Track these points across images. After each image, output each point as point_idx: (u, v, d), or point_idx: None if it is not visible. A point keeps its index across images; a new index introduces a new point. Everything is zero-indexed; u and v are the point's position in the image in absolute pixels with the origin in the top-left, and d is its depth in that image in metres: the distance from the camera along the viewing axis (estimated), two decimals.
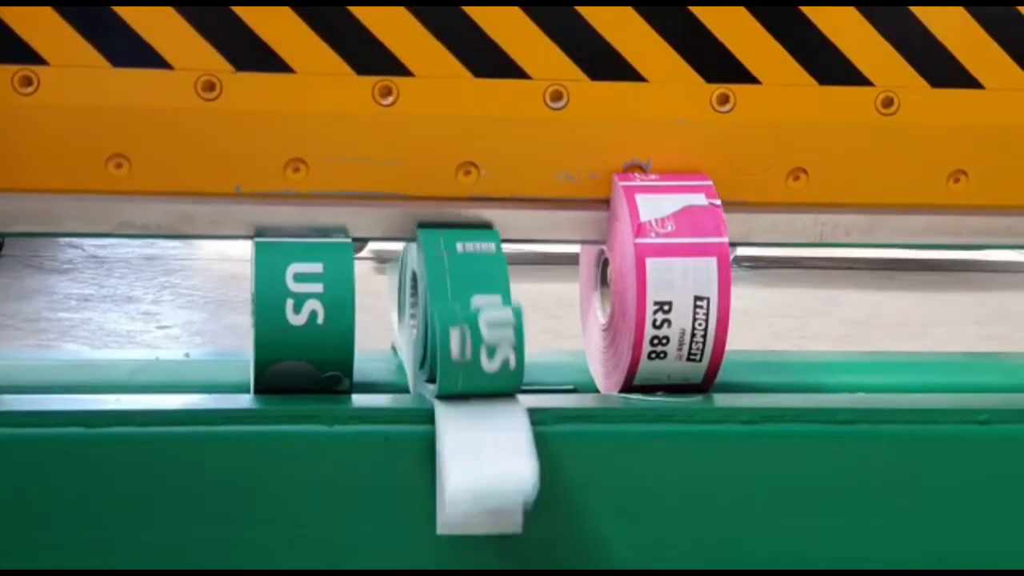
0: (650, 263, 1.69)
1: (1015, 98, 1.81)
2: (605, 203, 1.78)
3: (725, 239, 1.70)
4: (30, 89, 1.68)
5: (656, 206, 1.72)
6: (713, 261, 1.69)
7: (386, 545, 1.61)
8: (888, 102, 1.79)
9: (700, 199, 1.73)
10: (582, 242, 1.85)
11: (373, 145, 1.73)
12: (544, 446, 1.57)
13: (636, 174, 1.76)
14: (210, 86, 1.70)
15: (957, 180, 1.82)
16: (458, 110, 1.74)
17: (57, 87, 1.68)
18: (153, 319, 5.62)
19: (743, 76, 1.76)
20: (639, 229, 1.70)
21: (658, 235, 1.70)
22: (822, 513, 1.66)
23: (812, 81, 1.78)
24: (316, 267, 1.67)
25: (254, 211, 1.73)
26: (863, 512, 1.67)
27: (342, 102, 1.72)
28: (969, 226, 1.85)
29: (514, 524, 1.55)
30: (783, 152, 1.79)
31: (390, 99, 1.73)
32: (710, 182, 1.74)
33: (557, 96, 1.75)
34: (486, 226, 1.75)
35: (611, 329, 1.79)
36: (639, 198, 1.72)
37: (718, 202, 1.72)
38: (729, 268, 1.69)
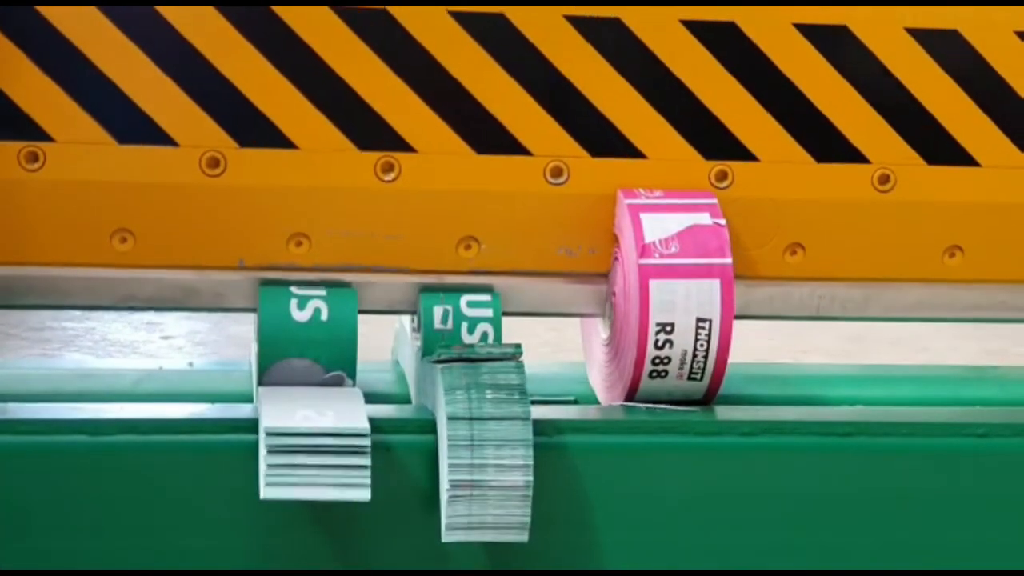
0: (653, 285, 1.70)
1: (1010, 176, 1.82)
2: (604, 277, 1.80)
3: (729, 260, 1.71)
4: (36, 165, 1.70)
5: (661, 226, 1.73)
6: (716, 283, 1.70)
7: (389, 552, 1.63)
8: (885, 179, 1.81)
9: (705, 219, 1.73)
10: (582, 315, 1.87)
11: (375, 220, 1.75)
12: (546, 457, 1.59)
13: (641, 191, 1.77)
14: (214, 162, 1.72)
15: (952, 255, 1.84)
16: (459, 185, 1.76)
17: (63, 163, 1.70)
18: (156, 329, 5.63)
19: (741, 153, 1.78)
20: (643, 250, 1.71)
21: (662, 256, 1.70)
22: (820, 524, 1.68)
23: (809, 158, 1.80)
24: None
25: (258, 285, 1.75)
26: (861, 524, 1.68)
27: (345, 177, 1.74)
28: (964, 301, 1.86)
29: (519, 533, 1.56)
30: (780, 227, 1.81)
31: (392, 175, 1.75)
32: (715, 201, 1.76)
33: (557, 172, 1.77)
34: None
35: (612, 345, 1.80)
36: (644, 217, 1.73)
37: (723, 222, 1.73)
38: (732, 289, 1.70)
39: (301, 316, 1.71)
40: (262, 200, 1.73)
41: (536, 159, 1.76)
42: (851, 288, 1.84)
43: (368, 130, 1.73)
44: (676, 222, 1.73)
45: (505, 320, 1.78)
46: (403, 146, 1.74)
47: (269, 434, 1.53)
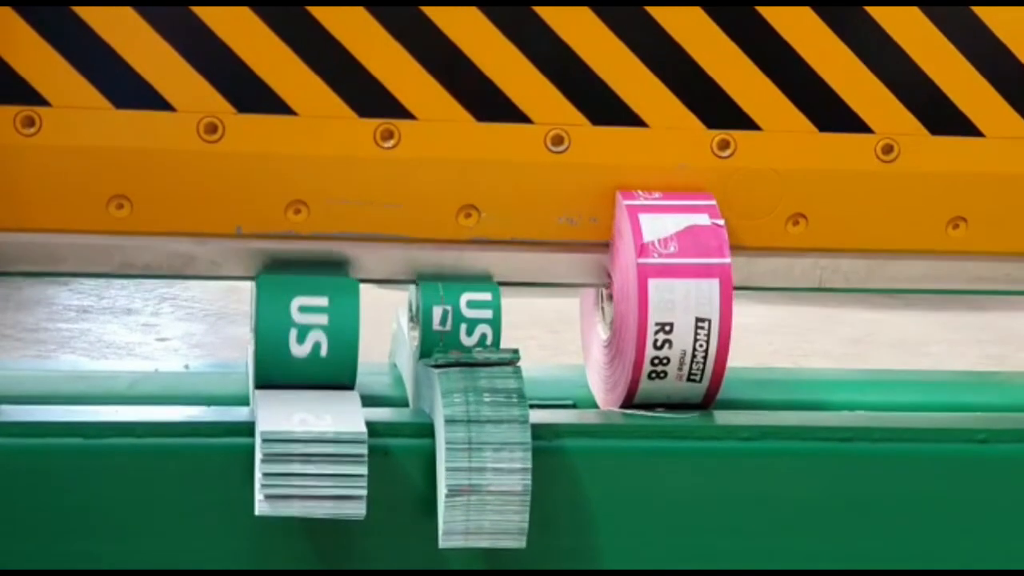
0: (652, 284, 1.69)
1: (1015, 146, 1.81)
2: (605, 246, 1.79)
3: (728, 260, 1.70)
4: (32, 130, 1.68)
5: (659, 226, 1.72)
6: (715, 283, 1.69)
7: (386, 556, 1.62)
8: (888, 149, 1.80)
9: (703, 219, 1.73)
10: (582, 285, 1.85)
11: (374, 188, 1.74)
12: (545, 461, 1.58)
13: (639, 192, 1.76)
14: (212, 128, 1.71)
15: (956, 227, 1.83)
16: (459, 153, 1.75)
17: (59, 128, 1.68)
18: (152, 331, 5.62)
19: (744, 122, 1.77)
20: (642, 249, 1.70)
21: (661, 256, 1.69)
22: (820, 529, 1.67)
23: (812, 128, 1.78)
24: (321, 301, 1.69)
25: (255, 252, 1.73)
26: (861, 529, 1.67)
27: (344, 145, 1.73)
28: (968, 272, 1.85)
29: (517, 539, 1.55)
30: (783, 197, 1.79)
31: (391, 142, 1.74)
32: (714, 202, 1.75)
33: (558, 140, 1.76)
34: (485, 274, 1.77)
35: (612, 347, 1.79)
36: (643, 218, 1.72)
37: (721, 222, 1.72)
38: (731, 289, 1.69)
39: (300, 351, 1.69)
40: (260, 167, 1.72)
41: (537, 127, 1.75)
42: (854, 259, 1.83)
43: (368, 97, 1.72)
44: (674, 222, 1.72)
45: (503, 324, 1.76)
46: (403, 113, 1.73)
47: (266, 440, 1.52)
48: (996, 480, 1.70)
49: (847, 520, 1.67)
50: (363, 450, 1.52)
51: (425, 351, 1.71)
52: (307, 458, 1.52)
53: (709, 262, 1.70)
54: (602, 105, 1.76)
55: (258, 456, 1.52)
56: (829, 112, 1.78)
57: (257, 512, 1.51)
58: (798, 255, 1.82)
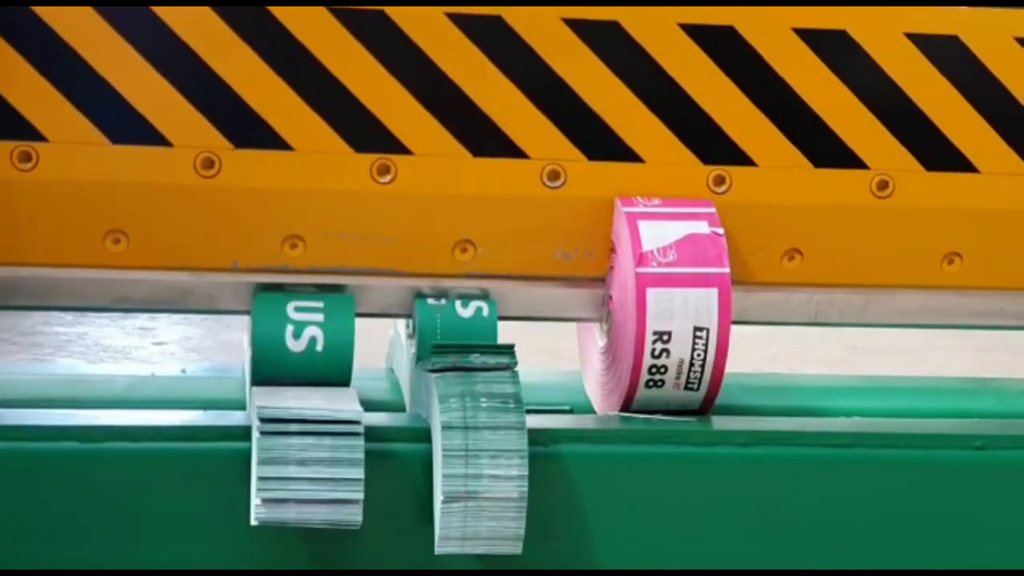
0: (651, 293, 1.68)
1: (1010, 182, 1.82)
2: (601, 281, 1.79)
3: (726, 269, 1.70)
4: (29, 165, 1.68)
5: (658, 234, 1.72)
6: (714, 292, 1.69)
7: (382, 561, 1.62)
8: (883, 185, 1.80)
9: (703, 227, 1.73)
10: (578, 320, 1.86)
11: (370, 222, 1.74)
12: (541, 467, 1.58)
13: (639, 199, 1.76)
14: (209, 163, 1.71)
15: (951, 262, 1.83)
16: (456, 188, 1.75)
17: (56, 163, 1.69)
18: (149, 335, 5.62)
19: (739, 158, 1.77)
20: (640, 258, 1.70)
21: (659, 264, 1.69)
22: (818, 535, 1.67)
23: (808, 163, 1.79)
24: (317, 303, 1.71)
25: (251, 286, 1.74)
26: (858, 535, 1.68)
27: (340, 179, 1.73)
28: (963, 307, 1.86)
29: (513, 545, 1.55)
30: (778, 233, 1.80)
31: (388, 177, 1.74)
32: (713, 209, 1.75)
33: (555, 175, 1.76)
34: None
35: (609, 353, 1.79)
36: (642, 225, 1.72)
37: (720, 230, 1.72)
38: (730, 298, 1.69)
39: (296, 346, 1.70)
40: (257, 201, 1.72)
41: (533, 162, 1.75)
42: (849, 294, 1.83)
43: (364, 132, 1.72)
44: (674, 230, 1.72)
45: (500, 327, 1.77)
46: (399, 148, 1.73)
47: (263, 419, 1.52)
48: (993, 486, 1.70)
49: (844, 526, 1.67)
50: (359, 429, 1.53)
51: (422, 355, 1.71)
52: (303, 434, 1.52)
53: (708, 271, 1.70)
54: (598, 140, 1.76)
55: (255, 436, 1.52)
56: (824, 148, 1.79)
57: (253, 520, 1.52)
58: (794, 290, 1.82)
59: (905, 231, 1.81)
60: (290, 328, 1.70)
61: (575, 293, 1.80)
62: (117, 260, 1.72)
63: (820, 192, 1.79)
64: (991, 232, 1.82)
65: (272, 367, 1.69)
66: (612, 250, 1.77)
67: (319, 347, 1.70)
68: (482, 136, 1.74)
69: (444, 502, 1.53)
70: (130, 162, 1.70)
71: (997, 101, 1.80)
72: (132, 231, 1.71)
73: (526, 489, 1.54)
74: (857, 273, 1.82)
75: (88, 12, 1.67)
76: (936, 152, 1.80)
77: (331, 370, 1.70)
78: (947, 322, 1.87)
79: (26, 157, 1.68)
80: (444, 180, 1.75)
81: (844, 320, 1.84)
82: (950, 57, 1.79)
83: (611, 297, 1.78)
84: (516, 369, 1.59)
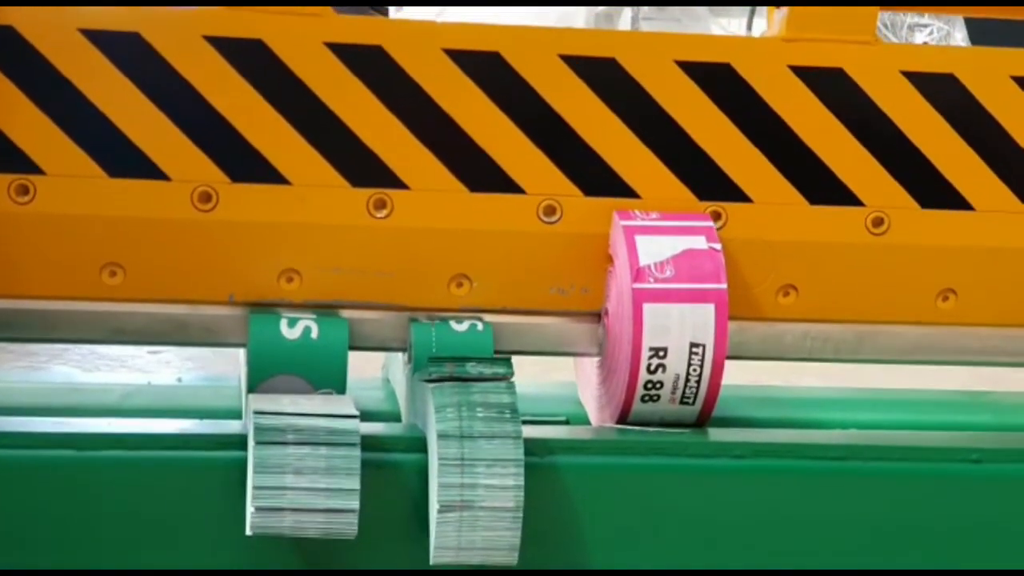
0: (647, 308, 1.68)
1: (1005, 220, 1.82)
2: (596, 316, 1.80)
3: (723, 285, 1.70)
4: (26, 198, 1.69)
5: (656, 248, 1.72)
6: (711, 308, 1.69)
7: (377, 570, 1.62)
8: (878, 222, 1.81)
9: (700, 242, 1.72)
10: (574, 355, 1.86)
11: (367, 256, 1.74)
12: (537, 477, 1.59)
13: (636, 212, 1.76)
14: (206, 197, 1.71)
15: (946, 299, 1.84)
16: (452, 223, 1.75)
17: (53, 196, 1.69)
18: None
19: (735, 194, 1.78)
20: (638, 274, 1.70)
21: (656, 280, 1.69)
22: (813, 548, 1.68)
23: (803, 200, 1.79)
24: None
25: (248, 320, 1.74)
26: (854, 547, 1.68)
27: (337, 214, 1.73)
28: (957, 344, 1.86)
29: (509, 555, 1.55)
30: (774, 269, 1.80)
31: (384, 211, 1.74)
32: (711, 223, 1.75)
33: (551, 211, 1.77)
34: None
35: (605, 366, 1.79)
36: (639, 239, 1.72)
37: (718, 246, 1.72)
38: (726, 314, 1.69)
39: (291, 334, 1.71)
40: (253, 235, 1.72)
41: (529, 197, 1.76)
42: (844, 330, 1.84)
43: (361, 166, 1.73)
44: (671, 245, 1.72)
45: None
46: (396, 183, 1.74)
47: (259, 429, 1.52)
48: (989, 499, 1.70)
49: (840, 538, 1.68)
50: (355, 439, 1.53)
51: (418, 366, 1.71)
52: (300, 443, 1.52)
53: (705, 287, 1.70)
54: (594, 176, 1.76)
55: (251, 444, 1.52)
56: (820, 185, 1.79)
57: (249, 530, 1.52)
58: (788, 325, 1.83)
59: (900, 268, 1.82)
60: (284, 321, 1.71)
61: (570, 328, 1.80)
62: (113, 293, 1.72)
63: (816, 229, 1.80)
64: (986, 269, 1.83)
65: (268, 357, 1.69)
66: (610, 261, 1.77)
67: (314, 335, 1.70)
68: (479, 171, 1.75)
69: (440, 512, 1.53)
70: (127, 195, 1.70)
71: (993, 139, 1.80)
72: (129, 264, 1.72)
73: (522, 499, 1.54)
74: (852, 309, 1.83)
75: (86, 45, 1.67)
76: (931, 189, 1.81)
77: (326, 359, 1.70)
78: (942, 359, 1.87)
79: (23, 190, 1.69)
80: (440, 215, 1.75)
81: (839, 356, 1.85)
82: (946, 95, 1.79)
83: (607, 310, 1.78)
84: (512, 379, 1.59)
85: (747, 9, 5.32)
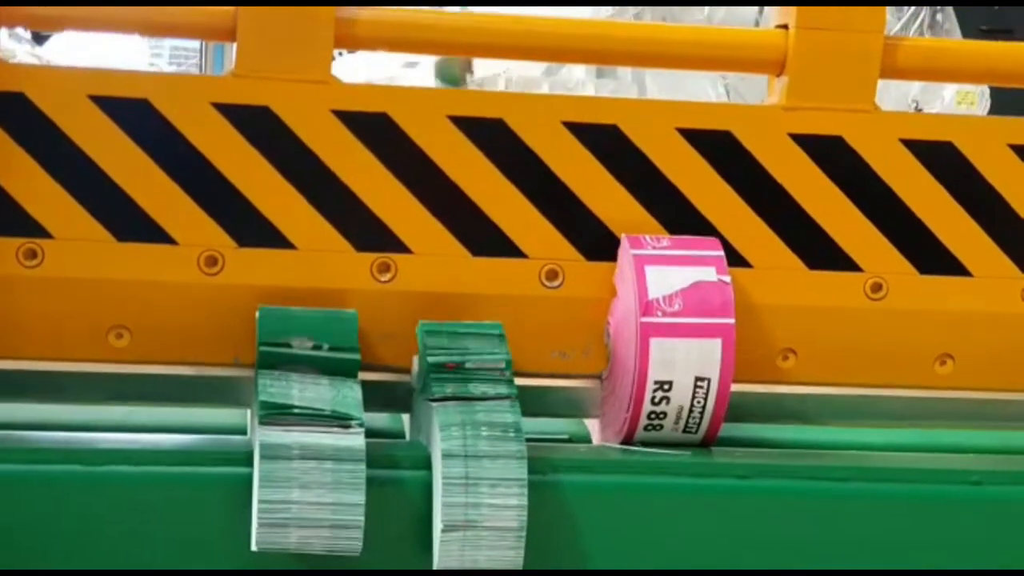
0: (654, 343, 1.68)
1: (1002, 286, 1.84)
2: (598, 378, 1.81)
3: (731, 320, 1.70)
4: (35, 262, 1.70)
5: (665, 280, 1.71)
6: (717, 343, 1.69)
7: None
8: (877, 287, 1.82)
9: (710, 274, 1.72)
10: (576, 416, 1.87)
11: (370, 319, 1.76)
12: (540, 495, 1.59)
13: (647, 238, 1.76)
14: (212, 261, 1.73)
15: (943, 363, 1.85)
16: (455, 287, 1.77)
17: (61, 260, 1.71)
18: None
19: (735, 259, 1.79)
20: (646, 308, 1.69)
21: (665, 314, 1.69)
22: (815, 568, 1.68)
23: (802, 265, 1.81)
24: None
25: (252, 382, 1.75)
26: (854, 568, 1.68)
27: (341, 278, 1.75)
28: (955, 409, 1.87)
29: (514, 560, 1.56)
30: (773, 333, 1.81)
31: (388, 275, 1.76)
32: (721, 253, 1.75)
33: (553, 275, 1.78)
34: None
35: (608, 383, 1.79)
36: (648, 271, 1.71)
37: (727, 278, 1.73)
38: (732, 348, 1.69)
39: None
40: (259, 299, 1.74)
41: (531, 262, 1.78)
42: (843, 394, 1.85)
43: (365, 231, 1.75)
44: (681, 277, 1.71)
45: None
46: (400, 247, 1.75)
47: (265, 444, 1.53)
48: (989, 521, 1.71)
49: (841, 558, 1.68)
50: (360, 456, 1.54)
51: (424, 384, 1.71)
52: (305, 459, 1.53)
53: (712, 321, 1.70)
54: (596, 241, 1.78)
55: (257, 459, 1.53)
56: (818, 250, 1.81)
57: (254, 546, 1.53)
58: (787, 389, 1.84)
59: (898, 333, 1.83)
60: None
61: (571, 391, 1.82)
62: (120, 355, 1.74)
63: (815, 294, 1.81)
64: (983, 335, 1.84)
65: (278, 323, 1.69)
66: (614, 284, 1.77)
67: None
68: (481, 236, 1.77)
69: (443, 531, 1.54)
70: (135, 259, 1.72)
71: (990, 206, 1.82)
72: (135, 326, 1.73)
73: (525, 518, 1.55)
74: (851, 373, 1.84)
75: (95, 111, 1.70)
76: (929, 256, 1.82)
77: (336, 329, 1.70)
78: (939, 423, 1.89)
79: (32, 254, 1.70)
80: (443, 279, 1.77)
81: (837, 419, 1.86)
82: (944, 163, 1.81)
83: (609, 322, 1.78)
84: (516, 398, 1.60)
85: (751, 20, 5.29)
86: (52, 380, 1.74)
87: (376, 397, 1.78)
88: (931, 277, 1.83)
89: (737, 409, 1.81)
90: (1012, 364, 1.85)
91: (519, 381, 1.79)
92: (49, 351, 1.73)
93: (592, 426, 1.87)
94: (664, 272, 1.72)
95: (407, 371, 1.76)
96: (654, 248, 1.74)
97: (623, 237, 1.76)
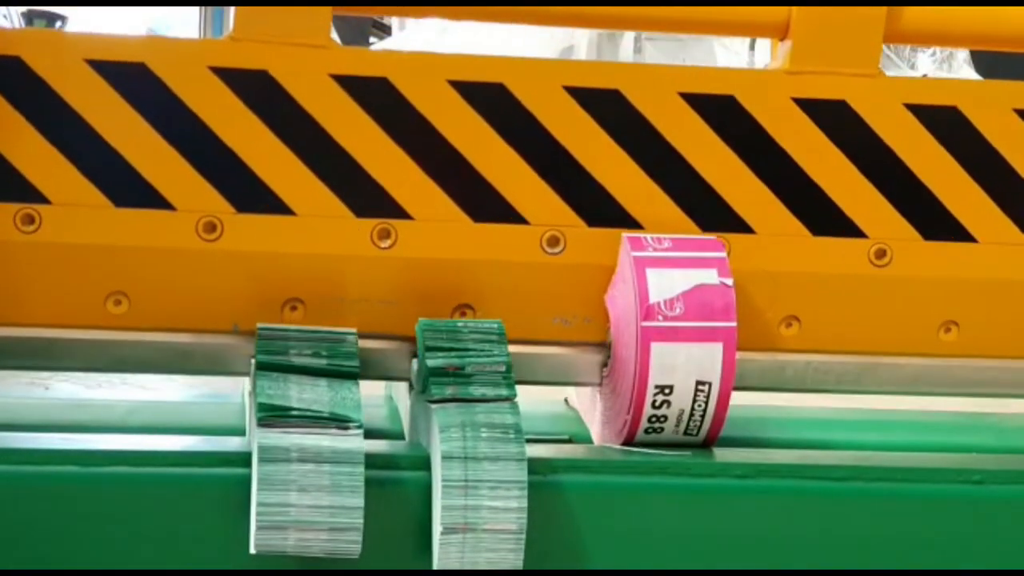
0: (655, 348, 1.68)
1: (1007, 252, 1.82)
2: (599, 346, 1.80)
3: (733, 323, 1.69)
4: (32, 227, 1.69)
5: (666, 283, 1.70)
6: (719, 347, 1.68)
7: None
8: (881, 254, 1.81)
9: (712, 276, 1.71)
10: (577, 384, 1.86)
11: (371, 286, 1.75)
12: (540, 496, 1.59)
13: (648, 238, 1.75)
14: (211, 227, 1.72)
15: (948, 330, 1.84)
16: (456, 253, 1.76)
17: (59, 225, 1.70)
18: None
19: (739, 226, 1.78)
20: (647, 312, 1.68)
21: (666, 319, 1.68)
22: (815, 568, 1.67)
23: (806, 232, 1.80)
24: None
25: (251, 349, 1.74)
26: (855, 568, 1.68)
27: (341, 244, 1.74)
28: (959, 376, 1.86)
29: (514, 561, 1.55)
30: (776, 300, 1.80)
31: (388, 242, 1.75)
32: (724, 254, 1.74)
33: (554, 241, 1.77)
34: None
35: (609, 381, 1.79)
36: (650, 273, 1.70)
37: (730, 281, 1.72)
38: (734, 352, 1.68)
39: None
40: (258, 265, 1.73)
41: (533, 228, 1.76)
42: (846, 362, 1.84)
43: (365, 197, 1.73)
44: (683, 279, 1.70)
45: None
46: (400, 213, 1.74)
47: (264, 447, 1.52)
48: (991, 521, 1.71)
49: (842, 559, 1.68)
50: (359, 458, 1.53)
51: (423, 384, 1.71)
52: (304, 461, 1.53)
53: (714, 325, 1.69)
54: (598, 207, 1.77)
55: (255, 461, 1.52)
56: (822, 216, 1.80)
57: (253, 549, 1.52)
58: (790, 356, 1.83)
59: (902, 300, 1.82)
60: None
61: (572, 358, 1.81)
62: (118, 322, 1.73)
63: (818, 260, 1.80)
64: (988, 301, 1.83)
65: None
66: (614, 282, 1.76)
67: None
68: (482, 202, 1.75)
69: (443, 533, 1.54)
70: (133, 225, 1.71)
71: (995, 172, 1.81)
72: (133, 293, 1.72)
73: (525, 521, 1.54)
74: (854, 340, 1.83)
75: (92, 75, 1.68)
76: (934, 222, 1.81)
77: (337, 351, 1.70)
78: (943, 390, 1.88)
79: (29, 219, 1.69)
80: (444, 245, 1.75)
81: (840, 387, 1.85)
82: (949, 127, 1.80)
83: (609, 326, 1.77)
84: (516, 400, 1.60)
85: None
86: (50, 346, 1.73)
87: (374, 365, 1.77)
88: (936, 243, 1.81)
89: (739, 378, 1.79)
90: (1017, 331, 1.84)
91: (520, 348, 1.79)
92: (47, 318, 1.72)
93: (592, 426, 1.86)
94: (665, 275, 1.70)
95: (406, 339, 1.76)
96: (655, 249, 1.73)
97: (623, 237, 1.75)
